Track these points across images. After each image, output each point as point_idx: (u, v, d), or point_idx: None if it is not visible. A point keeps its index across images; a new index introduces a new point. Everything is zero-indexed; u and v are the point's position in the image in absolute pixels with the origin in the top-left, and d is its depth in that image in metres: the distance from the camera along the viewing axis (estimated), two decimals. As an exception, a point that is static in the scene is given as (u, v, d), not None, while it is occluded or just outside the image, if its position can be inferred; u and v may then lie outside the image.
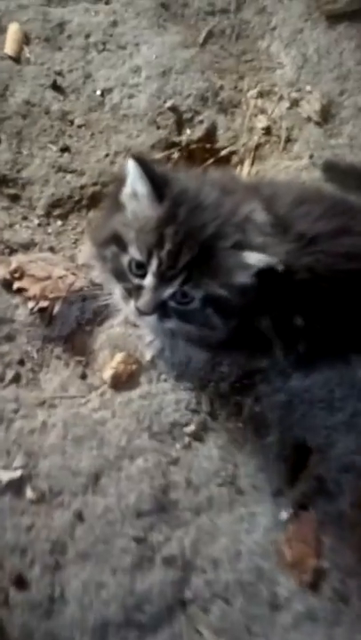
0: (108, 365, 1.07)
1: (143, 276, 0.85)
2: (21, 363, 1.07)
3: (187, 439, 1.06)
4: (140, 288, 0.86)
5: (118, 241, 0.87)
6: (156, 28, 1.34)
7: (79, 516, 0.99)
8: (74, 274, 1.11)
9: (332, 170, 1.00)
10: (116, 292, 0.91)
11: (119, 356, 1.08)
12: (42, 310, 1.07)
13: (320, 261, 0.88)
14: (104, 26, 1.32)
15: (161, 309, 0.86)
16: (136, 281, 0.87)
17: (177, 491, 1.03)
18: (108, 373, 1.07)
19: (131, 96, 1.27)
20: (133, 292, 0.87)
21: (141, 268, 0.85)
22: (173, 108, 1.27)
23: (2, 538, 0.96)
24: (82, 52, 1.29)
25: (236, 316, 0.89)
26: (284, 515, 1.04)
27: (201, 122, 1.28)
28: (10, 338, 1.07)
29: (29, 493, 0.98)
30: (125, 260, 0.87)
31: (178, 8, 1.38)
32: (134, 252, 0.85)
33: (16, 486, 0.98)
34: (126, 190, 0.87)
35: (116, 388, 1.07)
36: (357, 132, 1.32)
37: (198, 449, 1.06)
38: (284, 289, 0.87)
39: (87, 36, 1.30)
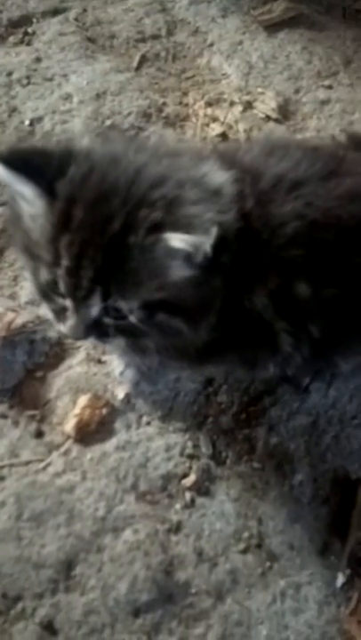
0: (71, 414, 0.82)
1: (65, 296, 0.64)
2: None
3: (188, 495, 0.79)
4: (65, 309, 0.65)
5: (31, 253, 0.66)
6: (85, 59, 1.23)
7: (49, 627, 0.69)
8: (14, 311, 0.89)
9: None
10: (47, 313, 0.68)
11: (83, 400, 0.82)
12: (-25, 356, 0.83)
13: (313, 205, 0.67)
14: (27, 63, 1.21)
15: (97, 330, 0.64)
16: (60, 301, 0.65)
17: (185, 568, 0.74)
18: (70, 424, 0.81)
19: (64, 122, 1.13)
20: (60, 314, 0.65)
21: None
22: (113, 127, 1.13)
23: None
24: (4, 88, 1.17)
25: (207, 310, 0.65)
26: (340, 579, 0.75)
27: (147, 138, 1.13)
28: None
29: (-26, 606, 0.69)
30: (43, 276, 0.65)
31: (105, 40, 1.28)
32: (43, 271, 0.64)
33: None
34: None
35: (84, 441, 0.81)
36: (324, 124, 1.18)
37: (206, 506, 0.79)
38: (273, 248, 0.65)
39: (9, 74, 1.19)
